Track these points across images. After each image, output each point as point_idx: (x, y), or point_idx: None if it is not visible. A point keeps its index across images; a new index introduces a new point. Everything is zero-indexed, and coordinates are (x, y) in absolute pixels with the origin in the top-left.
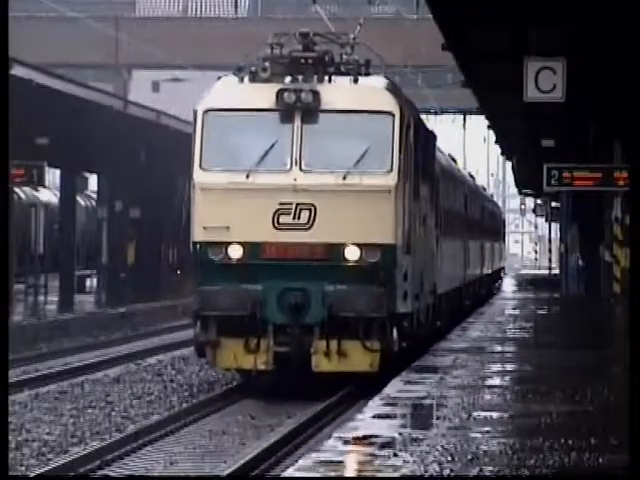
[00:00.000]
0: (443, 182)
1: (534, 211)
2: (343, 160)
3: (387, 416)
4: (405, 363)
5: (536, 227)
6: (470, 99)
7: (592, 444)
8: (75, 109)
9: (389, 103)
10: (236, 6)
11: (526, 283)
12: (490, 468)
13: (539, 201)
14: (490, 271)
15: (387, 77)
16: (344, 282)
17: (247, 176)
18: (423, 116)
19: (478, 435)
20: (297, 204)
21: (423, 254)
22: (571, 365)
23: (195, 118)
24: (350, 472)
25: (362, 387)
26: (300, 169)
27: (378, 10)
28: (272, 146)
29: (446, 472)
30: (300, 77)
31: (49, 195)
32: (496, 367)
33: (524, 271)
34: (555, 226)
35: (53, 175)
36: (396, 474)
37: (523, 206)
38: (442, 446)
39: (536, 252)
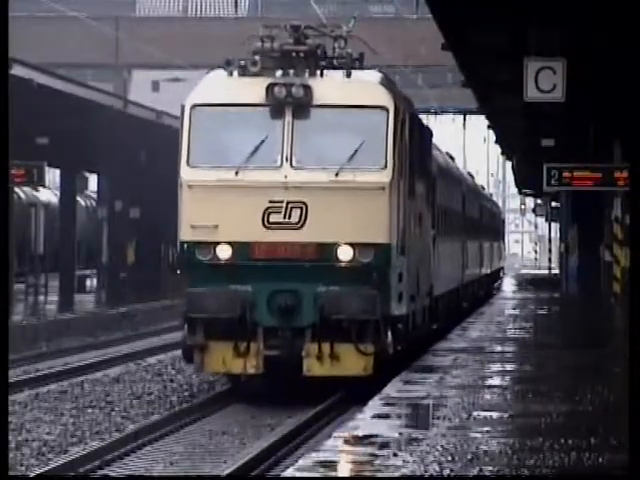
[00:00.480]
0: (440, 180)
1: (534, 211)
2: (335, 156)
3: (387, 416)
4: (401, 365)
5: (536, 227)
6: (470, 99)
7: (592, 444)
8: (75, 109)
9: (383, 98)
10: (236, 6)
11: (526, 283)
12: (490, 468)
13: (539, 201)
14: (489, 271)
15: (381, 71)
16: (337, 283)
17: (236, 173)
18: (423, 116)
19: (478, 435)
20: (288, 202)
21: (419, 254)
22: (571, 365)
23: (182, 113)
24: (350, 472)
25: (356, 392)
26: (291, 166)
27: (378, 10)
28: (262, 142)
29: (446, 472)
30: (291, 71)
31: (49, 195)
32: (496, 367)
33: (524, 271)
34: (555, 226)
35: (53, 175)
36: (396, 474)
37: (523, 206)
38: (442, 446)
39: (536, 252)
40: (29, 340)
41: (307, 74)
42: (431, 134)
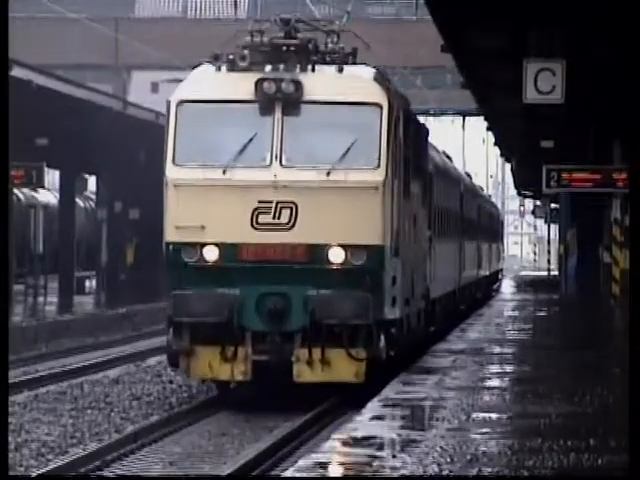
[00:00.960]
0: (437, 180)
1: (533, 212)
2: (327, 155)
3: (386, 417)
4: (400, 368)
5: (535, 228)
6: (469, 100)
7: (591, 445)
8: (74, 110)
9: (376, 94)
10: (235, 7)
11: (525, 284)
12: (489, 469)
13: (538, 202)
14: (487, 273)
15: (375, 67)
16: (328, 286)
17: (224, 172)
18: (422, 117)
19: (477, 436)
20: (277, 202)
21: (414, 256)
22: (570, 366)
23: (168, 110)
24: (348, 473)
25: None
26: (281, 164)
27: (378, 11)
28: (251, 140)
29: (445, 473)
30: (281, 66)
31: (48, 196)
32: (495, 368)
33: (523, 272)
34: (554, 227)
35: (52, 176)
36: (395, 475)
37: (522, 207)
38: (441, 447)
39: (535, 253)
40: (29, 341)
41: (298, 69)
42: (427, 132)
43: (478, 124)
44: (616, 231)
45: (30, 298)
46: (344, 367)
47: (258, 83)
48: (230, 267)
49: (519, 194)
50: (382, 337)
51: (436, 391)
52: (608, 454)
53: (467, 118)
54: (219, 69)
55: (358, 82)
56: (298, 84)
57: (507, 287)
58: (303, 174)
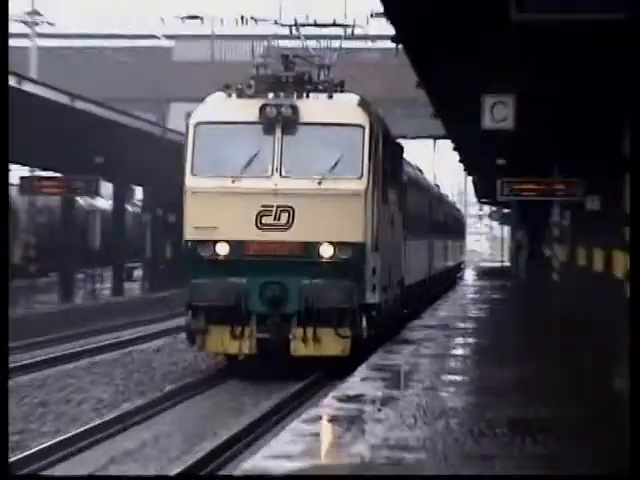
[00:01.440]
0: (410, 189)
1: (490, 216)
2: (319, 167)
3: (373, 379)
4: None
5: (491, 229)
6: (439, 127)
7: (535, 400)
8: (125, 135)
9: (360, 117)
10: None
11: (483, 273)
12: (455, 420)
13: (494, 208)
14: (453, 264)
15: (359, 94)
16: (319, 277)
17: (233, 181)
18: (402, 140)
19: (445, 394)
20: (277, 206)
21: (391, 251)
22: (520, 337)
23: (187, 130)
24: (343, 424)
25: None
26: (280, 175)
27: (366, 56)
28: (255, 155)
29: (419, 423)
30: (281, 94)
31: (104, 203)
32: (459, 340)
33: (482, 264)
34: (506, 228)
35: (107, 187)
36: (380, 426)
37: (481, 212)
38: (417, 403)
39: (491, 249)
40: (88, 318)
41: (295, 96)
42: (402, 150)
43: (447, 145)
44: (556, 231)
45: (89, 284)
46: (332, 343)
47: (262, 108)
48: (238, 260)
49: (478, 201)
50: (364, 319)
51: (412, 358)
52: (548, 407)
53: (438, 141)
54: (229, 96)
55: (345, 107)
56: (295, 109)
57: (469, 275)
58: (299, 183)
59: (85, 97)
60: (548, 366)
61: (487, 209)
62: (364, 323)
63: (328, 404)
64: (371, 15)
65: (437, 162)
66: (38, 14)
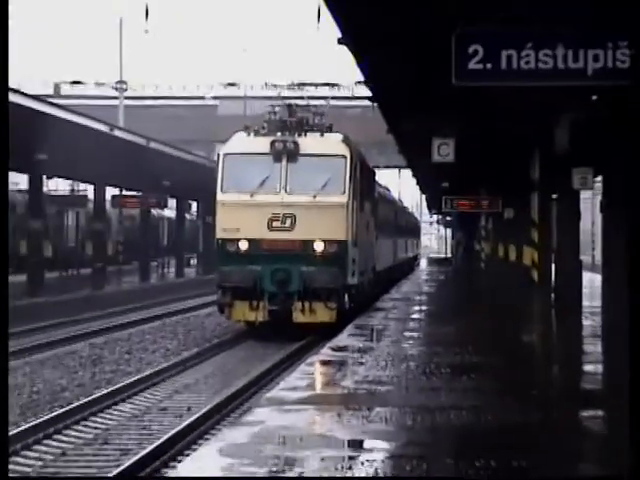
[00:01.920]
0: (380, 202)
1: (438, 222)
2: (313, 186)
3: (356, 335)
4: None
5: (438, 230)
6: (402, 160)
7: (468, 350)
8: (184, 165)
9: (343, 150)
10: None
11: (433, 262)
12: (413, 363)
13: (440, 216)
14: (411, 255)
15: (343, 133)
16: (314, 265)
17: (251, 196)
18: (375, 169)
19: (406, 345)
20: (284, 214)
21: (366, 246)
22: (458, 305)
23: (218, 159)
24: (335, 366)
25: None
26: (285, 192)
27: (351, 111)
28: (267, 177)
29: (389, 366)
30: (287, 133)
31: (170, 213)
32: (416, 307)
33: (432, 255)
34: (449, 230)
35: (172, 202)
36: (362, 368)
37: (431, 219)
38: (387, 352)
39: (438, 245)
40: (159, 293)
41: (296, 135)
42: (374, 173)
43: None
44: (483, 232)
45: (160, 269)
46: (323, 313)
47: (272, 143)
48: (255, 253)
49: (429, 211)
50: (346, 295)
51: (384, 321)
52: (477, 354)
53: (402, 170)
54: (249, 134)
55: (332, 142)
56: (296, 144)
57: (423, 263)
58: (299, 197)
59: (156, 139)
60: (476, 325)
61: (435, 217)
62: (346, 298)
63: (324, 352)
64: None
65: (401, 185)
66: (124, 82)
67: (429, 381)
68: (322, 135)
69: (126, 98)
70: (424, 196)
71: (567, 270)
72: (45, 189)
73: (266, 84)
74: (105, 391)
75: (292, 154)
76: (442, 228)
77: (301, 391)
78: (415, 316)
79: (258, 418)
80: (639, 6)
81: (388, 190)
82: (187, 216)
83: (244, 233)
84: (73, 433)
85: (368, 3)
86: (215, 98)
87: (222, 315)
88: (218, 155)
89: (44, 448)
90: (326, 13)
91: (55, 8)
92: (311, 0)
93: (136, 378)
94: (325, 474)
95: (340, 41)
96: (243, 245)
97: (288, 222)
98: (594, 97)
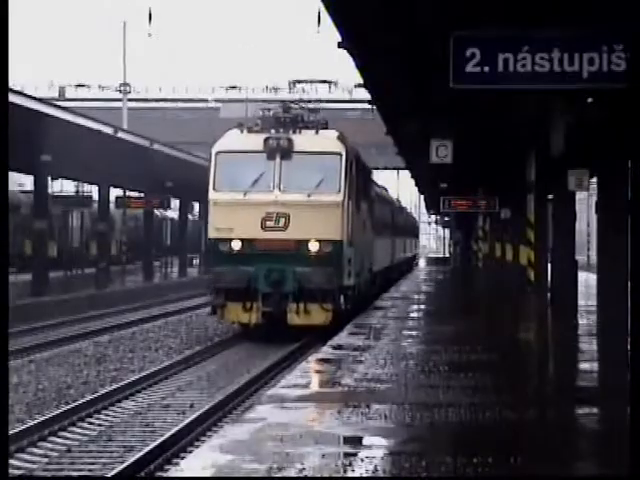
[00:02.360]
0: (377, 202)
1: (436, 222)
2: (308, 184)
3: (355, 334)
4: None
5: (437, 231)
6: (401, 162)
7: (468, 348)
8: (186, 166)
9: (338, 147)
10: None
11: (431, 261)
12: (412, 361)
13: (439, 216)
14: (410, 255)
15: (338, 130)
16: (308, 265)
17: (244, 195)
18: (375, 171)
19: (405, 344)
20: (277, 213)
21: (363, 246)
22: (458, 305)
23: (210, 157)
24: (336, 364)
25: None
26: (279, 190)
27: (350, 114)
28: (261, 175)
29: (388, 364)
30: (280, 130)
31: (173, 214)
32: (415, 306)
33: (430, 255)
34: (447, 230)
35: (175, 203)
36: (361, 366)
37: (430, 219)
38: (387, 350)
39: (437, 245)
40: (162, 292)
41: (290, 132)
42: (370, 172)
43: (406, 174)
44: (480, 232)
45: (163, 269)
46: (318, 315)
47: (266, 140)
48: (248, 253)
49: (428, 211)
50: (342, 296)
51: (383, 319)
52: (474, 352)
53: (400, 171)
54: (242, 131)
55: (327, 139)
56: (290, 141)
57: (421, 263)
58: (293, 196)
59: (159, 141)
60: (474, 324)
61: (434, 217)
62: (342, 300)
63: (324, 351)
64: (355, 85)
65: (400, 186)
66: (128, 85)
67: (427, 379)
68: (317, 132)
69: (130, 101)
70: (423, 196)
71: (563, 270)
72: (50, 190)
73: (267, 87)
74: (109, 388)
75: (286, 152)
76: (440, 228)
77: (302, 389)
78: (414, 315)
79: (260, 415)
80: (634, 9)
81: (386, 190)
82: (190, 216)
83: (237, 233)
84: (78, 430)
85: (367, 8)
86: (217, 101)
87: (215, 317)
88: (210, 153)
89: (49, 445)
90: (327, 17)
91: (60, 13)
92: (312, 4)
93: (139, 376)
94: (325, 470)
95: (340, 45)
96: (236, 245)
97: (282, 221)
98: (590, 99)
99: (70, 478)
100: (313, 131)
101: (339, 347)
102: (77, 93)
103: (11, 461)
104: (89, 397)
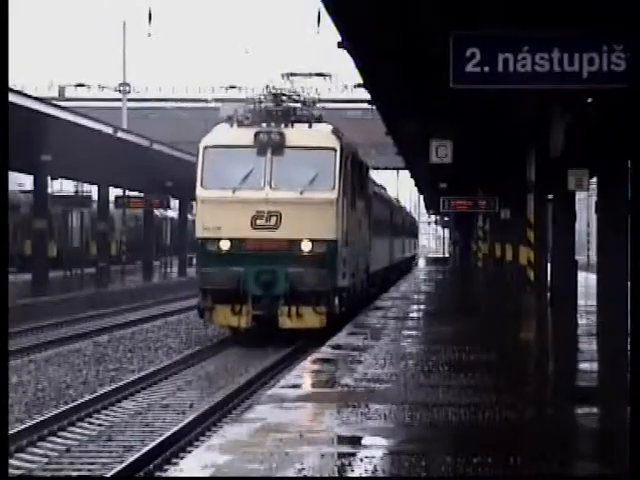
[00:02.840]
0: (375, 201)
1: (435, 222)
2: (300, 181)
3: (355, 334)
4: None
5: (436, 230)
6: (401, 161)
7: (467, 348)
8: (185, 166)
9: (333, 142)
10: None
11: (431, 261)
12: (412, 361)
13: (438, 216)
14: (409, 255)
15: (333, 125)
16: (301, 266)
17: (233, 192)
18: (374, 171)
19: (405, 344)
20: (268, 211)
21: (358, 246)
22: (457, 305)
23: (198, 152)
24: (335, 364)
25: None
26: (270, 187)
27: (350, 114)
28: (251, 171)
29: (387, 364)
30: (272, 123)
31: (172, 214)
32: (414, 307)
33: (430, 255)
34: (446, 230)
35: (174, 202)
36: (361, 366)
37: (429, 219)
38: (386, 350)
39: (436, 245)
40: (162, 292)
41: (282, 126)
42: (368, 169)
43: (406, 174)
44: (479, 232)
45: (162, 268)
46: (312, 318)
47: (256, 134)
48: (238, 253)
49: (427, 211)
50: (336, 299)
51: (382, 319)
52: (474, 352)
53: (400, 171)
54: (231, 125)
55: (321, 134)
56: (282, 135)
57: (421, 263)
58: (285, 193)
59: (159, 141)
60: (473, 324)
61: (433, 217)
62: (336, 302)
63: (324, 350)
64: (355, 85)
65: (399, 185)
66: (127, 85)
67: (427, 379)
68: (310, 126)
69: (129, 100)
70: (422, 196)
71: (563, 270)
72: (50, 190)
73: (267, 87)
74: (109, 388)
75: (277, 146)
76: (440, 228)
77: (301, 388)
78: (413, 315)
79: (259, 415)
80: (634, 10)
81: (384, 188)
82: (189, 216)
83: (226, 232)
84: (77, 430)
85: (367, 8)
86: (217, 100)
87: (202, 320)
88: (197, 148)
89: (49, 445)
90: (327, 17)
91: (59, 13)
92: (312, 4)
93: (138, 376)
94: (325, 470)
95: (340, 45)
96: (225, 245)
97: (273, 220)
98: (590, 99)
99: (70, 478)
100: (306, 125)
101: (338, 347)
102: (77, 93)
103: (11, 461)
104: (88, 397)
